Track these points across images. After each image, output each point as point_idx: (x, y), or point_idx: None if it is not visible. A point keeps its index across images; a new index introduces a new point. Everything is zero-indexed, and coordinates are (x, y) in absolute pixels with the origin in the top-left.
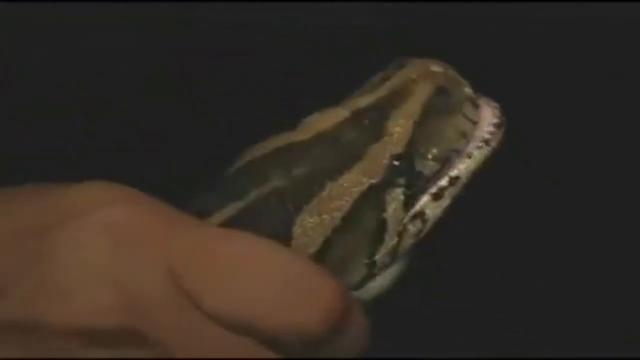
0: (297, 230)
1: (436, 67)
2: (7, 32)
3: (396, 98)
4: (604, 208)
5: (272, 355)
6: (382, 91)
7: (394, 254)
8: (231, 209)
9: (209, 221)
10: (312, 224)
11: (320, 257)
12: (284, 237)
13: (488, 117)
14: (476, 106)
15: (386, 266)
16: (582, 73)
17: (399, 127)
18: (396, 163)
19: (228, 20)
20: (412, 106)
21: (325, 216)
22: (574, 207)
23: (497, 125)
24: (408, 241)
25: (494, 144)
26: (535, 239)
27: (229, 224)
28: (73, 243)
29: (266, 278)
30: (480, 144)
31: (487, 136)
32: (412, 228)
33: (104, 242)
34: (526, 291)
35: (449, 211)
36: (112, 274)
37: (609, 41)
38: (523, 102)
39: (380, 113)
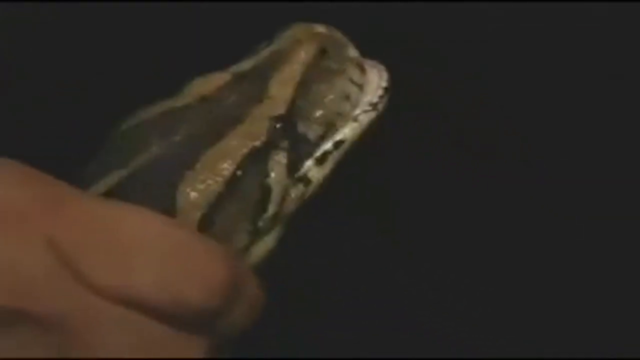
0: (180, 198)
1: (320, 29)
2: (7, 32)
3: (278, 60)
4: (604, 208)
5: (155, 327)
6: (265, 54)
7: (276, 219)
8: (113, 178)
9: (91, 191)
10: (195, 191)
11: (204, 224)
12: (167, 206)
13: (375, 80)
14: (362, 69)
15: (268, 231)
16: (582, 72)
17: (280, 89)
18: (278, 125)
19: (217, 25)
20: (294, 68)
21: (208, 181)
22: (574, 207)
23: (385, 89)
24: (290, 206)
25: (380, 108)
26: (535, 239)
27: (111, 193)
28: None
29: (148, 251)
30: (368, 108)
31: (375, 100)
32: (294, 192)
33: None
34: (526, 291)
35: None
36: None
37: (609, 41)
38: (523, 103)
39: (261, 75)
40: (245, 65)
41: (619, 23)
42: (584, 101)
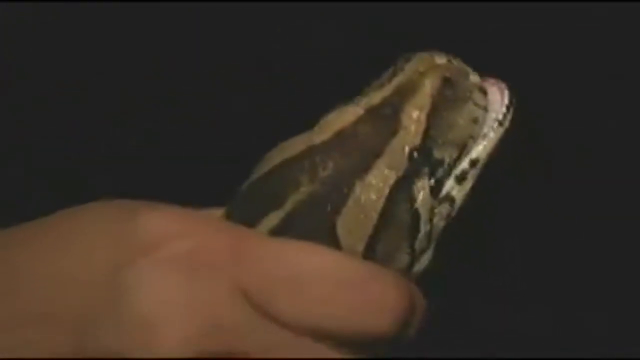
0: (340, 232)
1: (440, 59)
2: (7, 32)
3: (406, 92)
4: (603, 208)
5: (347, 357)
6: (392, 86)
7: (429, 238)
8: (274, 218)
9: (258, 229)
10: (353, 225)
11: (367, 254)
12: (330, 241)
13: (497, 99)
14: (484, 92)
15: (424, 250)
16: (583, 73)
17: (413, 120)
18: (416, 155)
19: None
20: (422, 99)
21: (362, 215)
22: (574, 207)
23: (508, 106)
24: (440, 224)
25: (507, 124)
26: (535, 238)
27: (274, 233)
28: (148, 279)
29: (330, 283)
30: (494, 125)
31: (500, 117)
32: (442, 211)
33: (176, 274)
34: (525, 290)
35: (473, 192)
36: (188, 304)
37: (609, 41)
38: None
39: (393, 108)
40: (375, 98)
41: (619, 23)
42: (585, 102)
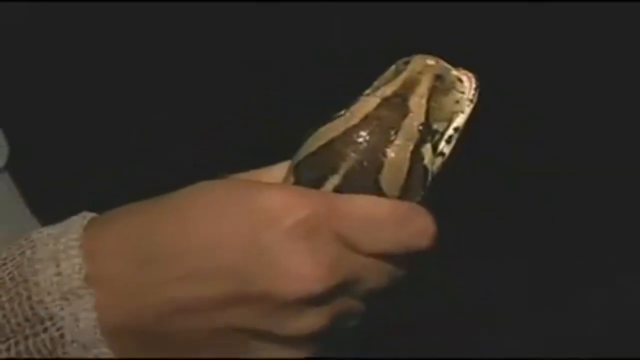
0: (383, 185)
1: (431, 61)
2: (7, 32)
3: (410, 86)
4: (603, 207)
5: (390, 266)
6: (399, 81)
7: (432, 181)
8: (335, 180)
9: (324, 189)
10: (391, 180)
11: (402, 198)
12: (378, 192)
13: (468, 84)
14: (461, 81)
15: (427, 190)
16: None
17: (418, 105)
18: (422, 128)
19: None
20: (423, 90)
21: (396, 172)
22: (574, 207)
23: (476, 89)
24: (436, 171)
25: (475, 101)
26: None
27: (337, 190)
28: (281, 242)
29: (394, 223)
30: (468, 103)
31: (470, 97)
32: (437, 163)
33: (300, 236)
34: (521, 287)
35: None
36: (312, 255)
37: (609, 38)
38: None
39: (402, 97)
40: (387, 90)
41: (620, 23)
42: (588, 104)
